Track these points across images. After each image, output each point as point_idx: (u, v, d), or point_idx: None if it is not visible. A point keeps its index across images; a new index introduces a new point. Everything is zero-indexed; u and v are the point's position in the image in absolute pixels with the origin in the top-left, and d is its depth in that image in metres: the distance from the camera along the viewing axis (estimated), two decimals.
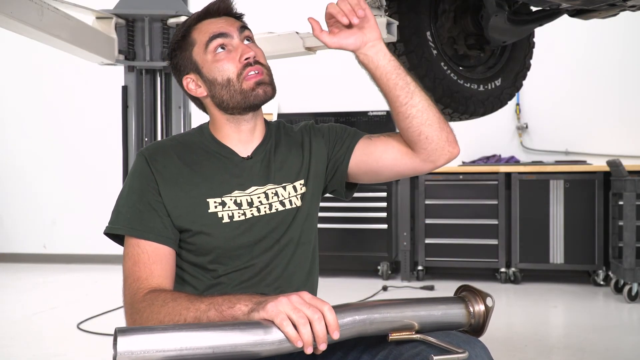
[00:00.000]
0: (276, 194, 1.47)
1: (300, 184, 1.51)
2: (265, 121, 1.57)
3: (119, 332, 0.99)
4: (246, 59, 1.41)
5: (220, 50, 1.43)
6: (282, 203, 1.47)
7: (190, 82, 1.48)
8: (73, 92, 6.63)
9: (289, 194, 1.49)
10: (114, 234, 1.41)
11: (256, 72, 1.42)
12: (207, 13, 1.47)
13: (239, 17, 1.51)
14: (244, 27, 1.47)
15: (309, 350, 1.06)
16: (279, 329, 1.06)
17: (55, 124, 6.68)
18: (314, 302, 1.09)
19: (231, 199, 1.42)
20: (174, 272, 1.39)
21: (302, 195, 1.50)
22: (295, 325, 1.06)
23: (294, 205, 1.48)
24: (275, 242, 1.45)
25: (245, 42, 1.45)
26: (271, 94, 1.44)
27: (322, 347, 1.07)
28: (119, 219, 1.39)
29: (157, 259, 1.35)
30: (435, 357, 1.09)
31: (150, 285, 1.32)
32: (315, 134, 1.58)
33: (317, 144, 1.56)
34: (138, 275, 1.34)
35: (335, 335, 1.07)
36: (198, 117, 2.66)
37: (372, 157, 1.53)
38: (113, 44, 2.67)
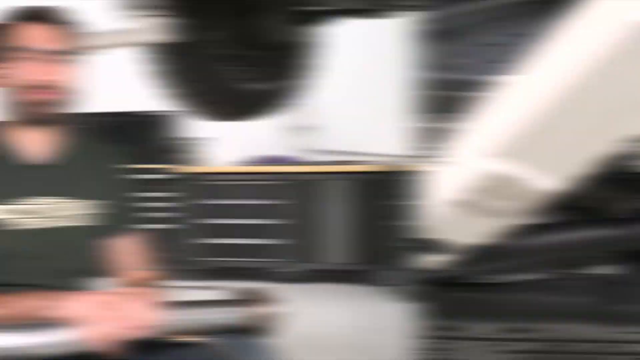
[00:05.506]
0: (58, 207, 1.39)
1: (91, 204, 1.43)
2: (71, 128, 1.46)
3: None
4: None
5: None
6: (63, 218, 1.39)
7: None
8: None
9: (75, 210, 1.40)
10: None
11: None
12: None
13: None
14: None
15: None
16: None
17: None
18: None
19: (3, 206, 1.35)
20: None
21: (90, 216, 1.42)
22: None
23: (79, 224, 1.40)
24: (58, 263, 1.36)
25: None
26: None
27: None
28: None
29: None
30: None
31: None
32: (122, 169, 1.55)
33: (115, 179, 1.51)
34: None
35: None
36: None
37: None
38: None
